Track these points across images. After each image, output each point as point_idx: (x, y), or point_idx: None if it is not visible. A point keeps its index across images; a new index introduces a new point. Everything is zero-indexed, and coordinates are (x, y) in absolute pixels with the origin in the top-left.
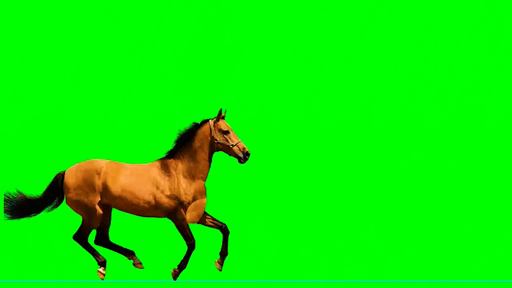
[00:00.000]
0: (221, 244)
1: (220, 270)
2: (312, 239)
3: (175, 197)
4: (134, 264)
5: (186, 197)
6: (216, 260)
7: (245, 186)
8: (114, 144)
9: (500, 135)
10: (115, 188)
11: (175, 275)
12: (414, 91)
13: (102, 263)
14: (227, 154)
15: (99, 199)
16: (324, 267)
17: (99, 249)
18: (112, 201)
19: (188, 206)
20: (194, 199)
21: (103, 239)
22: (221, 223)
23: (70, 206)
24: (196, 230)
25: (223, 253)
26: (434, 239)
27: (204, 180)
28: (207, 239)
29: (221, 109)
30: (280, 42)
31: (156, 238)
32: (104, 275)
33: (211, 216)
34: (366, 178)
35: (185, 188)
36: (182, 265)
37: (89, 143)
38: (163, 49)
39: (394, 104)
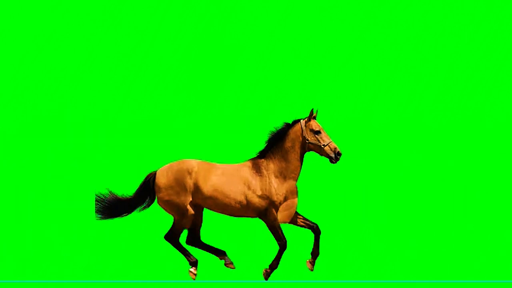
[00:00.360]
0: (312, 244)
1: (312, 270)
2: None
3: (266, 197)
4: (225, 264)
5: (277, 197)
6: (308, 260)
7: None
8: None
9: (500, 135)
10: (207, 188)
11: (267, 275)
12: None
13: (194, 263)
14: (318, 154)
15: (191, 199)
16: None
17: (190, 249)
18: (203, 201)
19: (279, 206)
20: (285, 199)
21: (195, 239)
22: (313, 223)
23: (162, 206)
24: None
25: (315, 253)
26: (434, 239)
27: (296, 180)
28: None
29: (312, 109)
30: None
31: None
32: (195, 275)
33: (302, 216)
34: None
35: (277, 188)
36: (274, 265)
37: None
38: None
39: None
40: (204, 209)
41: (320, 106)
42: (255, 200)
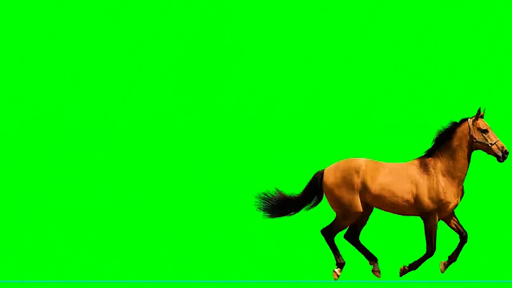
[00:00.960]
0: (454, 248)
1: (442, 272)
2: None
3: (435, 200)
4: (372, 271)
5: (444, 195)
6: (443, 262)
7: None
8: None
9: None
10: (374, 186)
11: (403, 272)
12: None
13: (340, 265)
14: (485, 153)
15: (358, 197)
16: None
17: (344, 246)
18: (370, 199)
19: (445, 205)
20: (450, 198)
21: (353, 237)
22: (464, 230)
23: (330, 204)
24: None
25: (452, 258)
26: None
27: (463, 180)
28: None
29: (479, 108)
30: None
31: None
32: (338, 276)
33: (457, 219)
34: None
35: (444, 187)
36: (413, 266)
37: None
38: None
39: None
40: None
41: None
42: (423, 199)
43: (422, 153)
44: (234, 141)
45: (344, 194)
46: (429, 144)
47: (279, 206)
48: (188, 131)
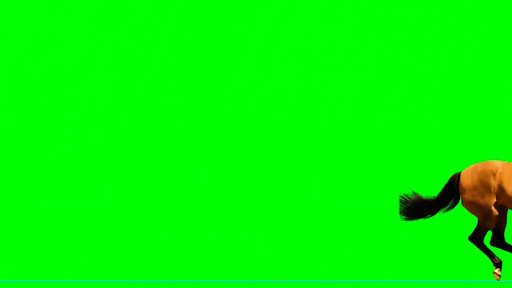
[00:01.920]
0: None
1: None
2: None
3: None
4: None
5: None
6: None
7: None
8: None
9: (500, 135)
10: (511, 189)
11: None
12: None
13: (498, 264)
14: None
15: (495, 200)
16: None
17: (495, 250)
18: (508, 202)
19: None
20: None
21: (499, 240)
22: None
23: (466, 207)
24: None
25: None
26: (434, 239)
27: None
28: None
29: None
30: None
31: None
32: (499, 276)
33: None
34: None
35: None
36: None
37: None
38: None
39: None
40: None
41: None
42: None
43: None
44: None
45: (481, 197)
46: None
47: (416, 208)
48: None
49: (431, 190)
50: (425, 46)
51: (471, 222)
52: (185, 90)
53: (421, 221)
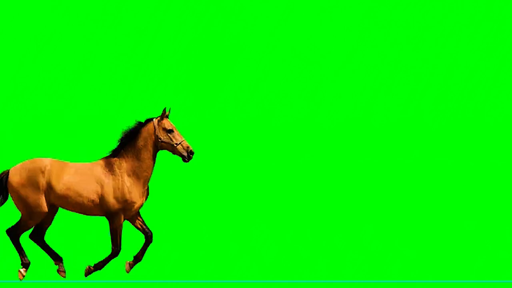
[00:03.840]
0: (140, 247)
1: (128, 272)
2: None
3: (120, 198)
4: (58, 271)
5: (129, 195)
6: (128, 261)
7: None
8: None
9: (500, 135)
10: (60, 186)
11: (88, 272)
12: (413, 91)
13: (26, 265)
14: (171, 153)
15: (44, 197)
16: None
17: (30, 246)
18: (56, 199)
19: (131, 205)
20: (136, 198)
21: (39, 237)
22: (149, 230)
23: (15, 204)
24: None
25: (137, 258)
26: (434, 239)
27: (148, 179)
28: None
29: (165, 108)
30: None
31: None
32: (23, 276)
33: (142, 219)
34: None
35: (129, 187)
36: (99, 266)
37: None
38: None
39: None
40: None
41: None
42: (108, 199)
43: None
44: None
45: (30, 194)
46: None
47: None
48: None
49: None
50: (419, 47)
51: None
52: (185, 90)
53: None
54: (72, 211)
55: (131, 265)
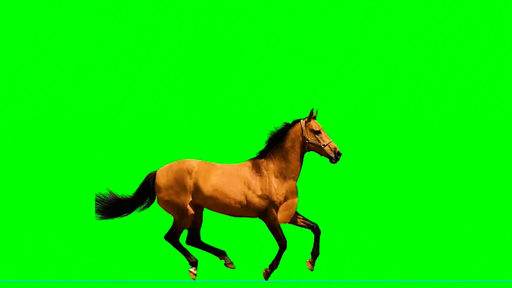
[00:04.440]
0: (312, 244)
1: (312, 270)
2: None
3: (266, 197)
4: (225, 264)
5: (277, 197)
6: (308, 260)
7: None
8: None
9: (500, 135)
10: (207, 188)
11: (267, 275)
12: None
13: (194, 263)
14: (318, 154)
15: (191, 199)
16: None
17: (191, 249)
18: (203, 201)
19: (279, 206)
20: (285, 199)
21: (195, 239)
22: (313, 223)
23: (162, 206)
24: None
25: (315, 253)
26: (434, 239)
27: (296, 180)
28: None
29: (312, 109)
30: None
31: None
32: (195, 275)
33: (302, 216)
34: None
35: (277, 188)
36: (274, 265)
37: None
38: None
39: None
40: (205, 209)
41: (320, 105)
42: (255, 200)
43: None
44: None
45: (177, 196)
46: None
47: (112, 207)
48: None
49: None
50: (416, 48)
51: (168, 221)
52: (185, 90)
53: (117, 220)
54: (218, 212)
55: (313, 263)
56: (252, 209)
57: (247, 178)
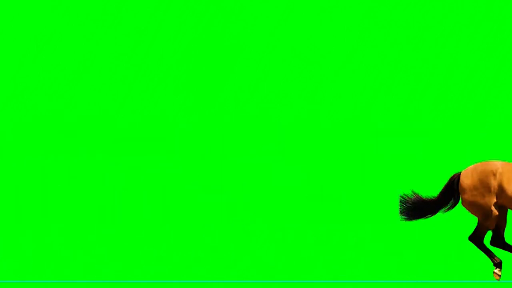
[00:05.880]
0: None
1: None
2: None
3: None
4: None
5: None
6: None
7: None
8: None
9: (500, 135)
10: (511, 189)
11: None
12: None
13: (498, 264)
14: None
15: (495, 200)
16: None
17: (495, 250)
18: (507, 201)
19: None
20: None
21: (499, 240)
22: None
23: (466, 207)
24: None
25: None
26: (435, 239)
27: None
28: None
29: None
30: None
31: None
32: (499, 276)
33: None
34: None
35: None
36: None
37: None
38: None
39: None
40: (509, 210)
41: (320, 106)
42: None
43: None
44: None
45: (481, 197)
46: None
47: (416, 208)
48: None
49: (431, 190)
50: (425, 46)
51: (471, 222)
52: (185, 90)
53: (421, 221)
54: None
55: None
56: None
57: None
